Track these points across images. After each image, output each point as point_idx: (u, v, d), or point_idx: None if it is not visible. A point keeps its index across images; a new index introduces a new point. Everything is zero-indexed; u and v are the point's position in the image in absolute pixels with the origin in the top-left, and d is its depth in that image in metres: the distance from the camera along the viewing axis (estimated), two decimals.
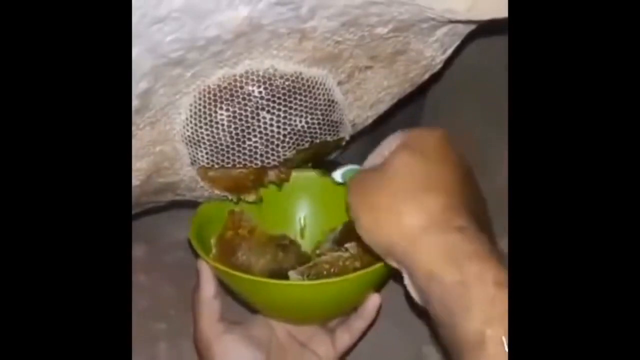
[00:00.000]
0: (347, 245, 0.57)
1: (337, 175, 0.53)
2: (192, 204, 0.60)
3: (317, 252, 0.62)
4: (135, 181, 0.52)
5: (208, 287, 0.55)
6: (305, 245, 0.64)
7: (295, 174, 0.58)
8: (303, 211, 0.65)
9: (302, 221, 0.65)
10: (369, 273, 0.51)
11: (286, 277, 0.56)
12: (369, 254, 0.52)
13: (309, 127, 0.52)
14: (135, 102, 0.46)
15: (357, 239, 0.50)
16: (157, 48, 0.43)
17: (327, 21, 0.47)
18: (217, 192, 0.55)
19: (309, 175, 0.62)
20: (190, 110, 0.50)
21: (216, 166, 0.52)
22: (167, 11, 0.41)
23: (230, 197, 0.56)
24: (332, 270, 0.56)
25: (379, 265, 0.50)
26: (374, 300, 0.55)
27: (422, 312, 0.44)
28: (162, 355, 0.59)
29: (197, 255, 0.55)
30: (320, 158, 0.61)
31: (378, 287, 0.56)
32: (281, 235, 0.63)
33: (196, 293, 0.56)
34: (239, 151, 0.51)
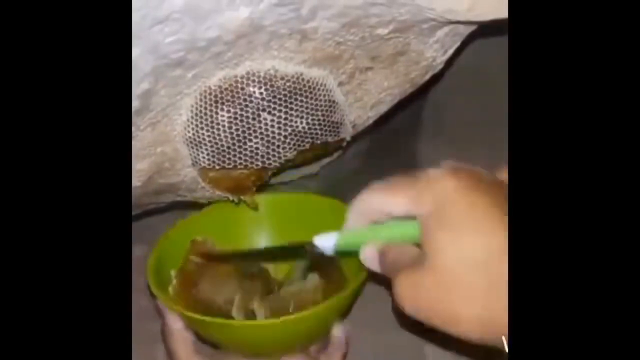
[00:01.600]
0: (309, 277, 0.55)
1: (326, 247, 0.45)
2: (193, 205, 0.60)
3: (288, 280, 0.58)
4: (136, 182, 0.52)
5: (176, 320, 0.52)
6: (279, 269, 0.60)
7: (265, 196, 0.58)
8: (274, 232, 0.61)
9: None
10: (326, 307, 0.50)
11: (251, 309, 0.54)
12: (331, 285, 0.54)
13: (309, 128, 0.52)
14: (136, 103, 0.46)
15: (319, 270, 0.53)
16: (157, 49, 0.43)
17: (327, 22, 0.47)
18: (218, 193, 0.55)
19: (281, 196, 0.61)
20: (191, 111, 0.51)
21: (217, 167, 0.52)
22: (167, 12, 0.41)
23: (231, 198, 0.56)
24: (294, 303, 0.54)
25: (336, 297, 0.50)
26: (338, 333, 0.53)
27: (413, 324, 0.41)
28: (162, 356, 0.59)
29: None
30: (320, 159, 0.61)
31: (342, 314, 0.54)
32: (249, 263, 0.59)
33: (165, 328, 0.53)
34: (240, 152, 0.51)
